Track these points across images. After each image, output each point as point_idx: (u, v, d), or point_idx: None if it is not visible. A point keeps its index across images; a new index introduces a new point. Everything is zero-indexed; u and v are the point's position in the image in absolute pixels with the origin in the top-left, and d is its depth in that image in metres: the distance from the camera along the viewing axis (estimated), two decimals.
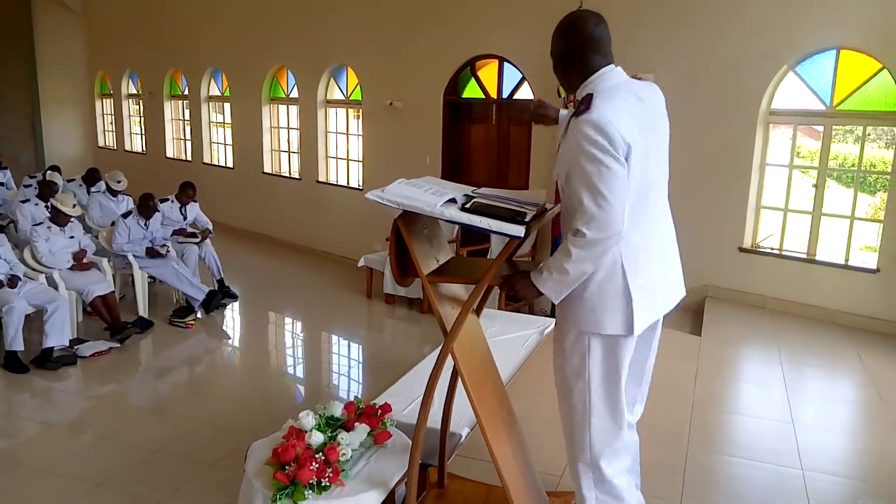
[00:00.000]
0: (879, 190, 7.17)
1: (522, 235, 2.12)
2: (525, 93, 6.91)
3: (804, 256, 5.51)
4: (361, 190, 8.57)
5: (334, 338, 6.52)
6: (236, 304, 7.00)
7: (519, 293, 2.20)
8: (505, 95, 7.12)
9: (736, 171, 5.55)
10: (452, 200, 2.26)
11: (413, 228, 2.36)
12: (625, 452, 2.31)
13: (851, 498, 2.95)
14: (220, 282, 6.98)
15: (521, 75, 6.86)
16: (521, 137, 7.01)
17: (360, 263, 7.24)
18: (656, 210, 2.22)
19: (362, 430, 2.73)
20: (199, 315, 6.42)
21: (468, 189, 2.41)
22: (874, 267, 5.08)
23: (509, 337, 4.66)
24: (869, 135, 5.35)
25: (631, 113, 2.06)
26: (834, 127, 5.36)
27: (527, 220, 2.17)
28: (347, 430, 2.71)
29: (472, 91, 7.39)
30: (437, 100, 7.38)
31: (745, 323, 5.26)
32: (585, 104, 2.04)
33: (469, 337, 2.51)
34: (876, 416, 3.71)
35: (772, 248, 5.68)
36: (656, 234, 2.23)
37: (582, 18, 2.18)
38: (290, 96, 9.55)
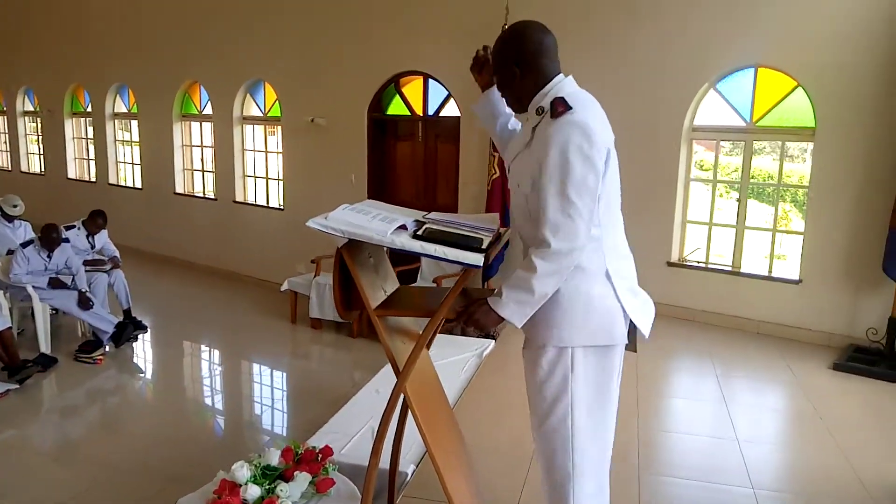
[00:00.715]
0: (789, 202, 7.49)
1: (481, 264, 1.96)
2: (451, 110, 6.81)
3: (729, 269, 5.62)
4: (283, 210, 8.24)
5: (257, 367, 6.17)
6: (148, 336, 6.52)
7: (479, 323, 2.02)
8: (431, 112, 7.01)
9: (662, 186, 5.62)
10: (403, 227, 2.08)
11: (358, 258, 2.17)
12: (607, 487, 2.17)
13: None
14: (127, 312, 6.46)
15: (446, 92, 6.77)
16: (449, 155, 6.91)
17: (284, 287, 6.93)
18: (621, 220, 2.15)
19: (303, 479, 2.50)
20: (108, 349, 5.92)
21: (418, 214, 2.24)
22: (797, 278, 5.22)
23: (448, 361, 4.50)
24: (788, 150, 5.52)
25: (602, 117, 1.98)
26: (754, 143, 5.52)
27: (484, 246, 2.03)
28: (286, 481, 2.47)
29: (397, 108, 7.24)
30: (361, 116, 7.19)
31: (678, 336, 5.30)
32: (561, 105, 1.92)
33: (421, 373, 2.33)
34: (815, 430, 3.74)
35: (698, 262, 5.77)
36: (627, 244, 2.15)
37: (530, 26, 2.07)
38: (204, 113, 9.12)
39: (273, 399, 5.49)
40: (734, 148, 6.23)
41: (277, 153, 8.40)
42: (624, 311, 2.04)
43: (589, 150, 1.87)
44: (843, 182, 4.94)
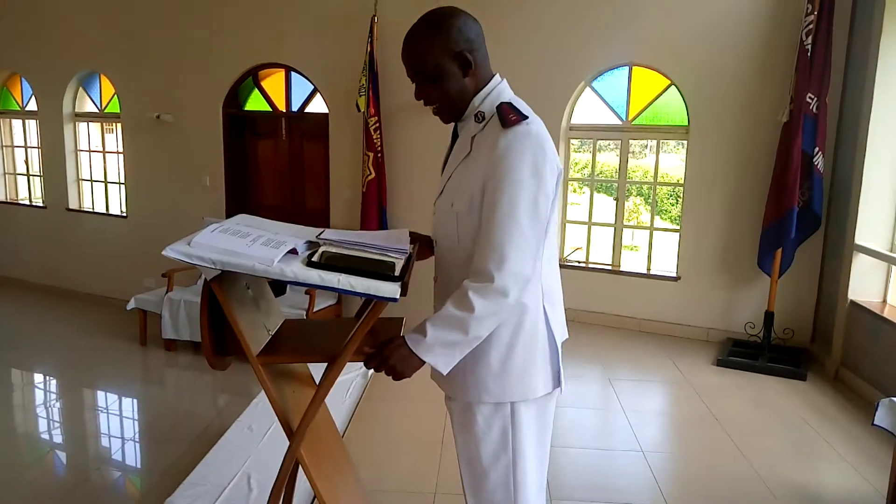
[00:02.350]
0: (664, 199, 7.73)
1: (398, 297, 1.58)
2: (318, 105, 6.32)
3: (610, 268, 5.59)
4: (125, 217, 7.33)
5: (102, 397, 5.35)
6: None
7: (395, 369, 1.62)
8: (295, 108, 6.47)
9: None
10: (293, 251, 1.65)
11: (233, 291, 1.71)
12: None
13: None
14: None
15: (312, 86, 6.26)
16: (317, 154, 6.41)
17: (131, 305, 6.11)
18: (557, 248, 1.85)
19: None
20: None
21: (309, 233, 1.81)
22: (675, 275, 5.26)
23: None
24: (662, 147, 5.56)
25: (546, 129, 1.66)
26: (630, 141, 5.51)
27: (398, 273, 1.64)
28: None
29: (256, 103, 6.62)
30: (215, 112, 6.49)
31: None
32: (513, 113, 1.59)
33: (316, 426, 1.91)
34: (713, 433, 3.69)
35: (579, 262, 5.70)
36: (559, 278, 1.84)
37: (465, 13, 1.71)
38: (27, 109, 7.94)
39: (123, 439, 4.75)
40: (608, 145, 6.24)
41: (117, 154, 7.45)
42: (558, 352, 1.75)
43: (543, 168, 1.56)
44: (717, 179, 5.02)
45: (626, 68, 5.28)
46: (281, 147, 6.62)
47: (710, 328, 5.14)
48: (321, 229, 1.86)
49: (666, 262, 5.56)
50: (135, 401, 5.34)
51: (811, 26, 4.29)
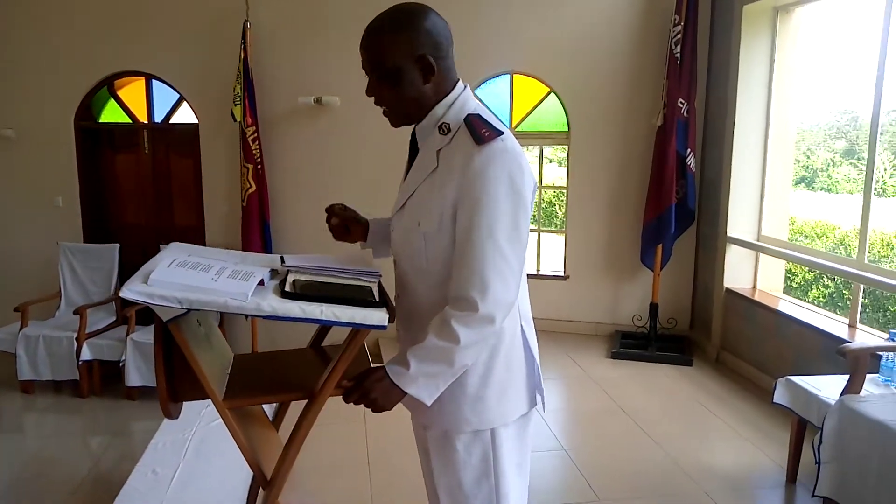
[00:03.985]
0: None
1: (387, 324, 1.48)
2: (185, 115, 5.89)
3: None
4: None
5: None
6: None
7: (377, 402, 1.52)
8: (158, 119, 5.99)
9: None
10: (260, 283, 1.50)
11: (188, 330, 1.53)
12: None
13: None
14: None
15: (178, 95, 5.83)
16: (186, 168, 5.98)
17: None
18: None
19: None
20: None
21: (270, 260, 1.66)
22: (563, 274, 5.45)
23: None
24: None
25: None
26: None
27: (377, 298, 1.54)
28: None
29: (112, 114, 6.06)
30: (66, 126, 5.86)
31: None
32: (486, 128, 1.49)
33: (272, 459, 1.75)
34: (625, 425, 3.84)
35: None
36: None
37: (433, 11, 1.58)
38: None
39: None
40: None
41: None
42: (537, 370, 1.72)
43: (521, 186, 1.48)
44: (598, 182, 5.27)
45: (508, 76, 5.39)
46: (144, 161, 6.11)
47: (599, 322, 5.39)
48: (277, 255, 1.71)
49: (554, 262, 5.75)
50: None
51: (679, 36, 4.61)
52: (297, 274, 1.57)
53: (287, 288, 1.49)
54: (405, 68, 1.52)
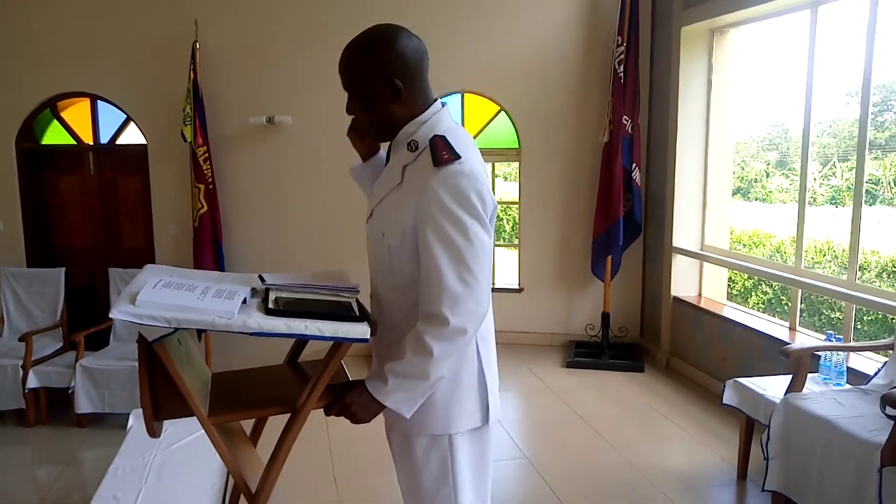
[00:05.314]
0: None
1: (369, 337, 1.54)
2: (133, 136, 5.81)
3: None
4: None
5: None
6: None
7: (357, 416, 1.59)
8: (104, 140, 5.89)
9: None
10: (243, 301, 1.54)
11: (173, 350, 1.55)
12: None
13: None
14: None
15: (124, 116, 5.75)
16: (134, 189, 5.89)
17: None
18: None
19: None
20: None
21: (243, 277, 1.70)
22: (518, 286, 5.58)
23: None
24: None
25: (481, 159, 1.68)
26: None
27: (357, 313, 1.60)
28: None
29: (55, 136, 5.92)
30: (6, 149, 5.70)
31: None
32: (447, 150, 1.56)
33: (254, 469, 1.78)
34: (584, 433, 3.95)
35: None
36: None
37: (407, 32, 1.66)
38: None
39: None
40: None
41: None
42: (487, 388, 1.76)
43: (481, 205, 1.55)
44: (548, 196, 5.42)
45: (459, 95, 5.52)
46: (89, 183, 5.98)
47: (553, 333, 5.52)
48: (255, 274, 1.75)
49: (506, 275, 5.88)
50: None
51: (622, 56, 4.82)
52: (279, 292, 1.62)
53: (271, 305, 1.54)
54: (374, 88, 1.61)
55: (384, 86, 1.60)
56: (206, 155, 5.34)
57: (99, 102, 5.81)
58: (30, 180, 5.87)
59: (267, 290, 1.62)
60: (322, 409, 1.63)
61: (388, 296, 1.70)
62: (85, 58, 5.55)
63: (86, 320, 5.26)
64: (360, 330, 1.52)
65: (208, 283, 1.56)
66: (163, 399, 1.59)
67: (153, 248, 5.82)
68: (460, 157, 1.55)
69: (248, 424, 1.95)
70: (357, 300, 1.70)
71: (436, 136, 1.60)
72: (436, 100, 1.70)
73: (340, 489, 3.35)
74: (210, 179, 5.36)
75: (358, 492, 3.35)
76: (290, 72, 5.41)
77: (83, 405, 4.89)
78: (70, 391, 4.93)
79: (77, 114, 5.90)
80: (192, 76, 5.25)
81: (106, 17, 5.49)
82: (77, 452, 4.82)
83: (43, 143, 5.92)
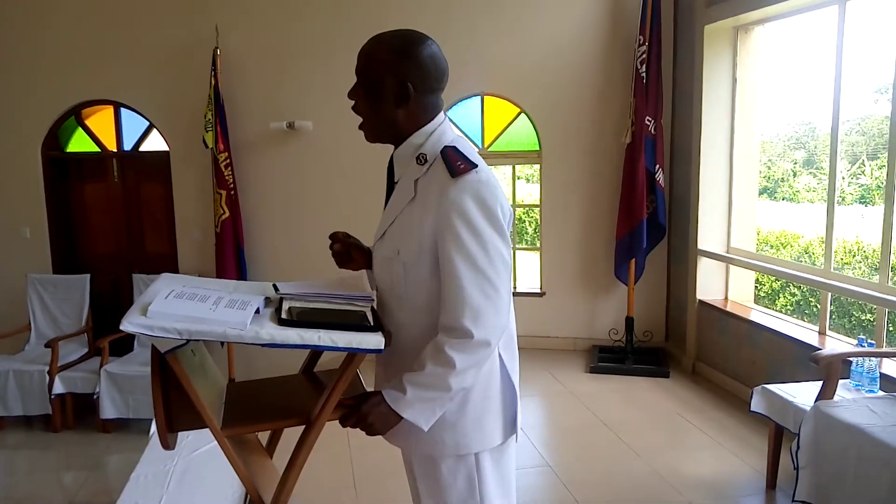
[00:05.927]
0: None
1: (383, 348, 1.51)
2: (155, 142, 5.86)
3: None
4: None
5: None
6: None
7: (373, 426, 1.55)
8: (128, 147, 5.95)
9: None
10: (256, 311, 1.52)
11: (186, 362, 1.53)
12: None
13: None
14: None
15: (147, 123, 5.80)
16: (157, 196, 5.94)
17: None
18: None
19: None
20: None
21: (263, 288, 1.68)
22: (540, 290, 5.52)
23: None
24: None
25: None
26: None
27: (372, 322, 1.57)
28: None
29: (80, 144, 6.00)
30: (33, 156, 5.79)
31: None
32: (461, 160, 1.53)
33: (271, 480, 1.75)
34: (608, 439, 3.88)
35: None
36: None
37: (438, 48, 1.64)
38: None
39: None
40: None
41: None
42: (516, 399, 1.73)
43: (500, 216, 1.54)
44: (570, 199, 5.36)
45: (479, 98, 5.48)
46: (113, 190, 6.05)
47: (577, 337, 5.45)
48: (269, 283, 1.73)
49: (528, 278, 5.82)
50: None
51: (644, 56, 4.74)
52: (292, 301, 1.60)
53: (284, 315, 1.51)
54: (384, 86, 1.58)
55: (396, 85, 1.57)
56: (228, 161, 5.36)
57: (122, 110, 5.88)
58: (55, 188, 5.95)
59: (280, 300, 1.60)
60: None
61: (400, 318, 1.64)
62: (108, 65, 5.61)
63: (110, 326, 5.30)
64: (375, 340, 1.49)
65: (221, 293, 1.54)
66: (177, 411, 1.57)
67: (176, 254, 5.86)
68: (477, 166, 1.53)
69: (264, 433, 1.93)
70: (372, 308, 1.67)
71: (446, 147, 1.58)
72: (441, 110, 1.68)
73: (360, 495, 3.33)
74: (231, 185, 5.38)
75: (379, 497, 3.32)
76: (310, 77, 5.42)
77: (108, 410, 4.94)
78: (95, 396, 4.99)
79: (101, 121, 5.97)
80: (213, 82, 5.28)
81: (128, 24, 5.55)
82: (102, 457, 4.87)
83: (68, 150, 6.00)
